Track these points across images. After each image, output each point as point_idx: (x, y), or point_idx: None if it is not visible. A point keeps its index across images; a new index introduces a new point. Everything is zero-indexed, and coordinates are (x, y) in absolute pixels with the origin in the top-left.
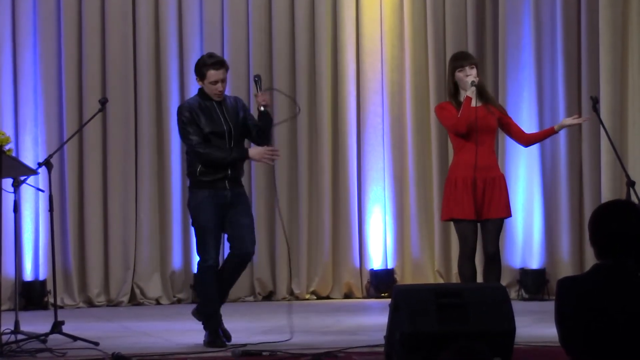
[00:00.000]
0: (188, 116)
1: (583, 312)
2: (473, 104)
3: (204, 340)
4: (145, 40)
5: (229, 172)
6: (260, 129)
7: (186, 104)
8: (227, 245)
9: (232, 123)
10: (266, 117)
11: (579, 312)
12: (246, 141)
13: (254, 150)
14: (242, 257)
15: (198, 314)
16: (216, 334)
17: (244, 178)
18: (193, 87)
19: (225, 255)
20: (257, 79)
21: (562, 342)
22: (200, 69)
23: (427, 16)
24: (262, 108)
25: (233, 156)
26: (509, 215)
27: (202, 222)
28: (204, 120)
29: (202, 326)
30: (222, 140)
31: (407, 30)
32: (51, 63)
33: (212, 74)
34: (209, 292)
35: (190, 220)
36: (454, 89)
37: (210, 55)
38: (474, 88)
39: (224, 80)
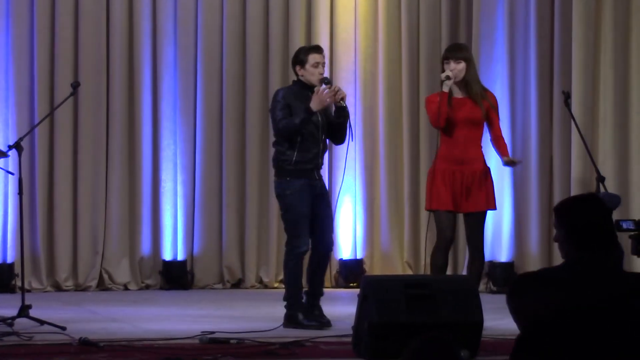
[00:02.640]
0: (280, 100)
1: (555, 309)
2: (457, 95)
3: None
4: (119, 23)
5: (320, 161)
6: (338, 125)
7: (283, 89)
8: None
9: (324, 114)
10: (344, 112)
11: (549, 310)
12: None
13: (314, 101)
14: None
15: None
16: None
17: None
18: (166, 72)
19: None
20: (327, 81)
21: (524, 345)
22: (299, 56)
23: (402, 7)
24: (342, 103)
25: (301, 117)
26: (491, 208)
27: (299, 209)
28: (300, 106)
29: (171, 312)
30: (317, 130)
31: (381, 20)
32: (23, 46)
33: (315, 57)
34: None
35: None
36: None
37: (312, 45)
38: (448, 82)
39: (323, 65)
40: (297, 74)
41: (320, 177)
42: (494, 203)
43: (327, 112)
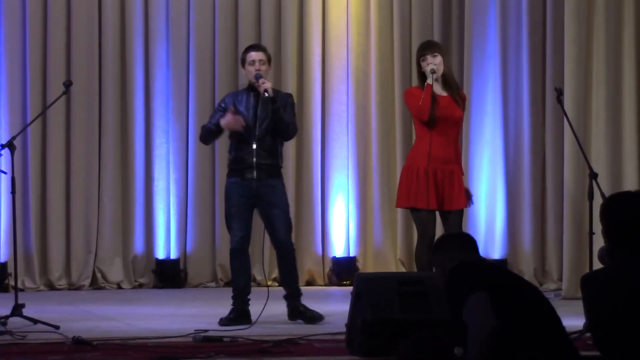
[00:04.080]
0: (220, 103)
1: (607, 302)
2: (438, 92)
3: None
4: (111, 22)
5: (255, 160)
6: (276, 119)
7: (229, 94)
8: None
9: (261, 116)
10: (273, 104)
11: (603, 303)
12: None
13: (223, 120)
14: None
15: None
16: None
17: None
18: (158, 70)
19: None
20: (258, 76)
21: (592, 332)
22: (242, 56)
23: (394, 4)
24: (266, 94)
25: (213, 126)
26: (467, 206)
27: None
28: (236, 109)
29: (165, 311)
30: (248, 130)
31: (373, 18)
32: (15, 44)
33: (251, 55)
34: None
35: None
36: (422, 78)
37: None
38: (432, 75)
39: (262, 62)
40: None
41: (265, 176)
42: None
43: (267, 114)
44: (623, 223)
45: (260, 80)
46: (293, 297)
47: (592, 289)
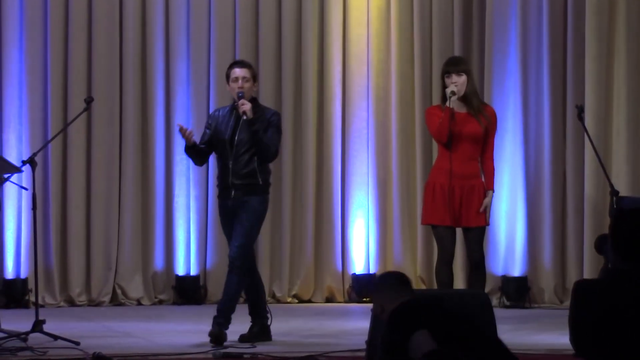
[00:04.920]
0: (207, 120)
1: (595, 312)
2: (457, 108)
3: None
4: (132, 39)
5: (232, 180)
6: (255, 140)
7: (216, 110)
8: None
9: (240, 134)
10: (252, 126)
11: (590, 313)
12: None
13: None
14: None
15: None
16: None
17: None
18: (179, 88)
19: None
20: (240, 95)
21: (572, 342)
22: (227, 72)
23: (414, 20)
24: (244, 116)
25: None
26: (487, 223)
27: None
28: (215, 127)
29: (184, 327)
30: (224, 149)
31: (394, 34)
32: (37, 61)
33: (235, 72)
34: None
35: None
36: (444, 93)
37: (239, 59)
38: (454, 98)
39: (246, 80)
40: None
41: (241, 195)
42: (488, 219)
43: (249, 132)
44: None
45: (240, 102)
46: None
47: (583, 296)
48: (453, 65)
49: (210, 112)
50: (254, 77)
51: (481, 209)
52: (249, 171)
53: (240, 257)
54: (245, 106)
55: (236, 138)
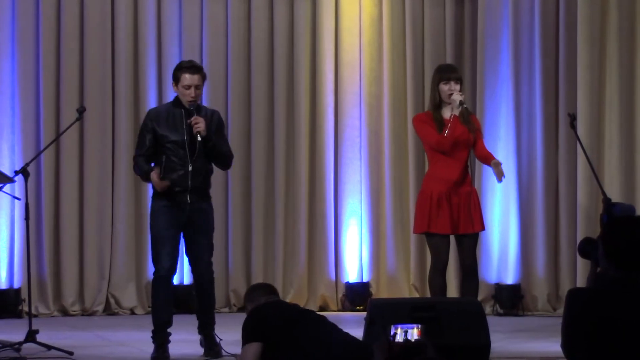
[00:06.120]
0: (148, 123)
1: (588, 320)
2: (447, 116)
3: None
4: (124, 48)
5: (190, 183)
6: (211, 152)
7: (153, 110)
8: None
9: (194, 137)
10: (207, 143)
11: (583, 321)
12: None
13: (151, 176)
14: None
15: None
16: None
17: (220, 187)
18: (171, 96)
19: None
20: (191, 112)
21: (564, 348)
22: (176, 72)
23: (406, 29)
24: (198, 137)
25: (144, 174)
26: (484, 229)
27: (156, 229)
28: (165, 127)
29: (180, 337)
30: (183, 151)
31: (386, 43)
32: (29, 71)
33: (186, 78)
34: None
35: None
36: (439, 100)
37: (189, 61)
38: (461, 107)
39: (198, 87)
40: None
41: (197, 200)
42: (484, 224)
43: (204, 145)
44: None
45: (194, 120)
46: (206, 327)
47: (576, 304)
48: (452, 72)
49: (149, 114)
50: (203, 81)
51: (496, 165)
52: (206, 174)
53: (212, 270)
54: (200, 125)
55: (196, 142)
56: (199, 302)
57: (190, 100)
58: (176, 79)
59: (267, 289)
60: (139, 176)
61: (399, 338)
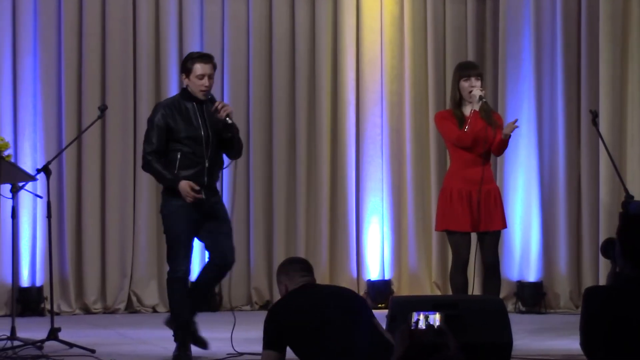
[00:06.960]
0: (159, 118)
1: (605, 319)
2: (468, 113)
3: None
4: (146, 47)
5: (206, 180)
6: (229, 141)
7: (163, 103)
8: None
9: (211, 129)
10: (232, 129)
11: (601, 319)
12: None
13: (182, 186)
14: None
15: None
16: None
17: (242, 185)
18: None
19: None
20: (211, 99)
21: (584, 347)
22: (186, 64)
23: (428, 26)
24: (228, 120)
25: (168, 181)
26: (505, 226)
27: (175, 231)
28: (181, 123)
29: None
30: (200, 146)
31: (407, 40)
32: (51, 69)
33: (199, 68)
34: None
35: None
36: (459, 97)
37: (198, 52)
38: (481, 102)
39: (210, 77)
40: (184, 82)
41: (212, 195)
42: (506, 222)
43: (215, 128)
44: None
45: (219, 104)
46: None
47: (594, 303)
48: (473, 69)
49: (159, 111)
50: (214, 71)
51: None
52: (218, 170)
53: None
54: (228, 108)
55: (210, 136)
56: (210, 284)
57: (204, 90)
58: (187, 71)
59: (304, 264)
60: (151, 174)
61: (422, 325)
